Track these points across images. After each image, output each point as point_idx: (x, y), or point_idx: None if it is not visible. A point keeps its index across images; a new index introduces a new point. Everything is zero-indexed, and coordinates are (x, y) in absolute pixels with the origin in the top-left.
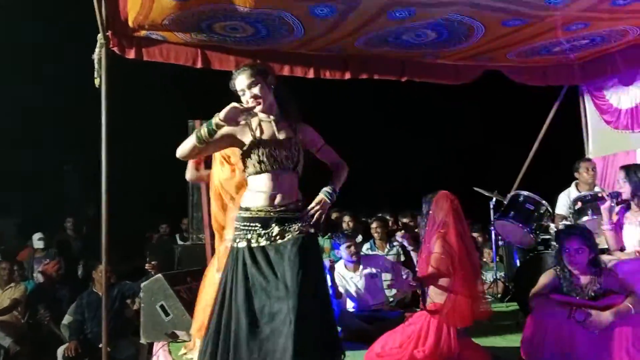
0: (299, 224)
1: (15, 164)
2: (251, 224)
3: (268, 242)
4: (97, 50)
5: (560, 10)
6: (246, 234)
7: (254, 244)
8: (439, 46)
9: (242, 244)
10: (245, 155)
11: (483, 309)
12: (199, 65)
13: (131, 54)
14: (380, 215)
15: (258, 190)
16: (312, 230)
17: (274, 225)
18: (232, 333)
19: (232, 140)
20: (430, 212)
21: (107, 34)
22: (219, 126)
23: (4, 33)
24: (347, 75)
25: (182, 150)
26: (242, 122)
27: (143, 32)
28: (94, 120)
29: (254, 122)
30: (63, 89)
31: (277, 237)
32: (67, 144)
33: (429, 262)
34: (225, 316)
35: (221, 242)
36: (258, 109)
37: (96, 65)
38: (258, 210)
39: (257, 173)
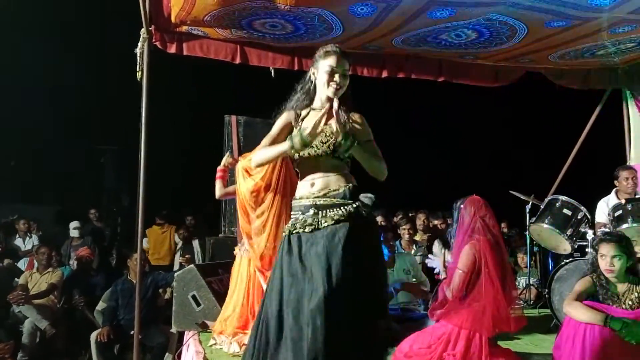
0: (339, 212)
1: (56, 154)
2: (295, 212)
3: (303, 230)
4: (140, 44)
5: (605, 12)
6: (292, 222)
7: (293, 232)
8: (479, 46)
9: (285, 232)
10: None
11: (516, 319)
12: (237, 60)
13: (172, 49)
14: (407, 215)
15: (302, 179)
16: (362, 211)
17: (311, 212)
18: (270, 326)
19: (289, 132)
20: (460, 218)
21: (150, 28)
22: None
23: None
24: (384, 74)
25: (265, 158)
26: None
27: (185, 28)
28: (133, 111)
29: (304, 112)
30: (103, 83)
31: (313, 226)
32: (105, 136)
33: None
34: (269, 307)
35: (251, 248)
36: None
37: (138, 59)
38: (300, 198)
39: (299, 161)
